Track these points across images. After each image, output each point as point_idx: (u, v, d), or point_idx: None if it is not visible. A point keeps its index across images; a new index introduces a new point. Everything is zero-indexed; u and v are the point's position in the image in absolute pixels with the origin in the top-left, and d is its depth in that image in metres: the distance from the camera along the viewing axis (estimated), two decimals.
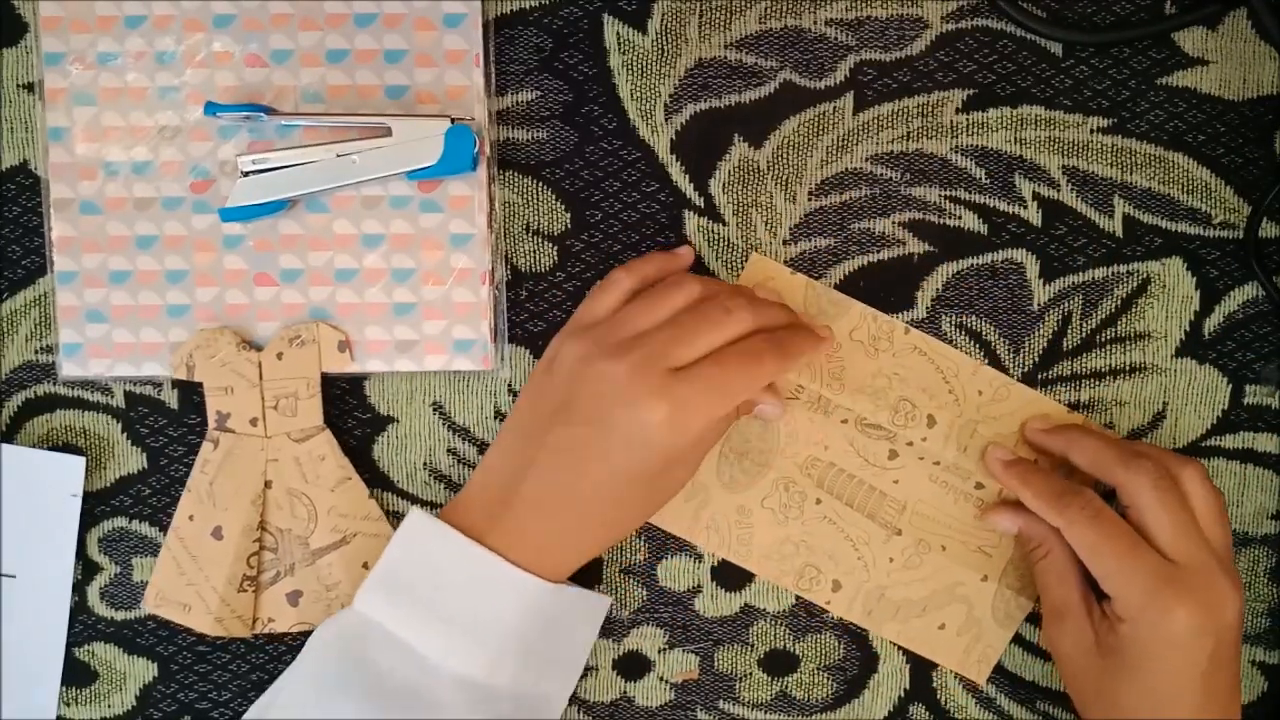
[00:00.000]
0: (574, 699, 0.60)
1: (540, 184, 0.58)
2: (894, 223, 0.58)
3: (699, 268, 0.58)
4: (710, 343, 0.52)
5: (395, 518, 0.59)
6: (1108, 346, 0.58)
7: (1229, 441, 0.59)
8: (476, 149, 0.56)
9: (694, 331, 0.52)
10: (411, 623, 0.51)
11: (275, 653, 0.59)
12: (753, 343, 0.52)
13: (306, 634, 0.59)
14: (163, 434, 0.59)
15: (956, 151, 0.58)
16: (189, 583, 0.57)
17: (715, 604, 0.59)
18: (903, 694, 0.60)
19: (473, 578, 0.51)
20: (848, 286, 0.58)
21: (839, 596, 0.59)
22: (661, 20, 0.58)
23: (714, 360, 0.51)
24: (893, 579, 0.58)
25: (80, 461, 0.58)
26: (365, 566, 0.58)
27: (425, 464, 0.59)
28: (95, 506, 0.59)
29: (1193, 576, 0.51)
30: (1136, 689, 0.52)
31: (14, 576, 0.58)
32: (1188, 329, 0.58)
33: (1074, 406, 0.58)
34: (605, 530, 0.53)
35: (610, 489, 0.52)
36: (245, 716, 0.52)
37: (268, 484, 0.57)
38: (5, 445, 0.58)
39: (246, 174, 0.56)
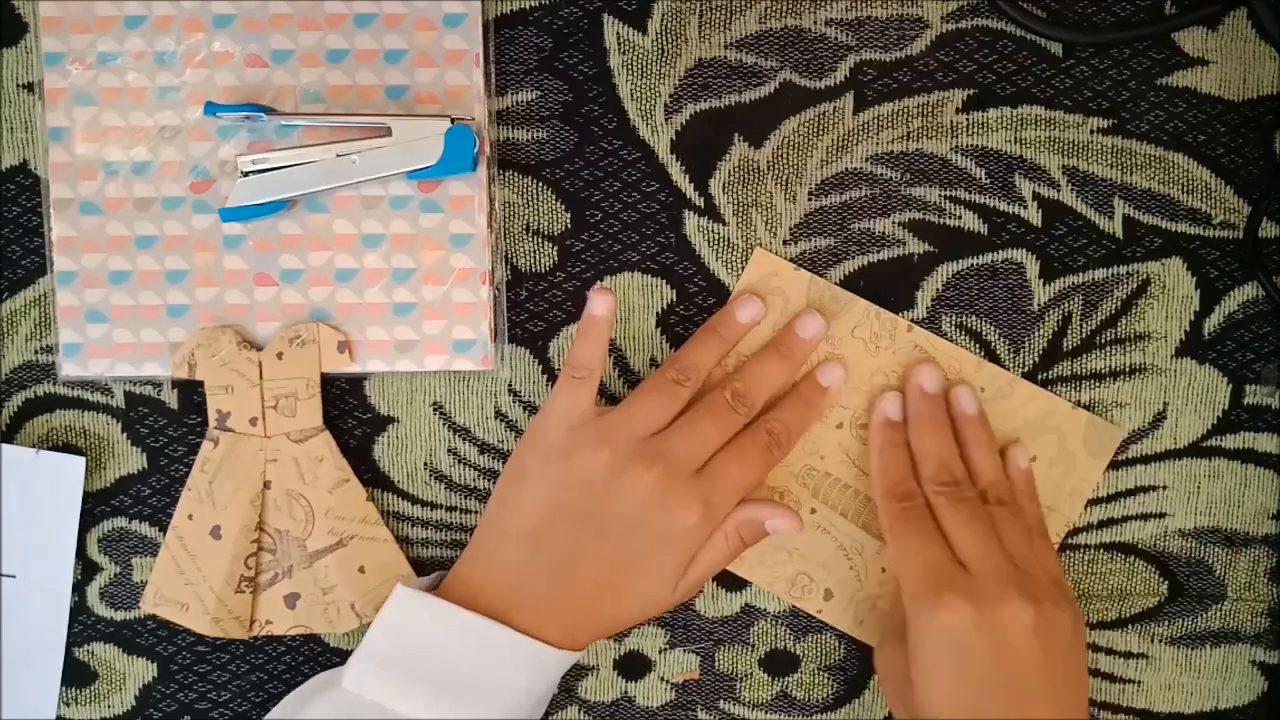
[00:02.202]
0: (574, 699, 0.60)
1: (540, 184, 0.58)
2: (894, 223, 0.58)
3: (701, 270, 0.58)
4: (722, 441, 0.55)
5: (395, 518, 0.59)
6: (1108, 347, 0.58)
7: (1229, 441, 0.59)
8: (476, 149, 0.56)
9: (708, 436, 0.54)
10: (409, 698, 0.50)
11: (275, 653, 0.59)
12: (760, 433, 0.55)
13: (304, 637, 0.59)
14: (163, 434, 0.59)
15: (956, 151, 0.58)
16: (187, 582, 0.57)
17: (716, 604, 0.59)
18: None
19: (477, 650, 0.51)
20: (848, 286, 0.58)
21: (831, 605, 0.59)
22: (661, 20, 0.58)
23: (732, 459, 0.54)
24: (885, 589, 0.58)
25: (80, 461, 0.58)
26: (361, 570, 0.58)
27: (426, 464, 0.59)
28: (95, 506, 0.59)
29: (976, 583, 0.52)
30: (920, 686, 0.51)
31: (14, 576, 0.58)
32: (1188, 329, 0.58)
33: (1074, 407, 0.58)
34: (619, 626, 0.54)
35: (635, 589, 0.53)
36: None
37: (266, 484, 0.57)
38: (5, 445, 0.58)
39: (246, 174, 0.56)
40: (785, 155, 0.58)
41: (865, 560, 0.58)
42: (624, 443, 0.53)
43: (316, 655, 0.59)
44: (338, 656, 0.59)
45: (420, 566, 0.59)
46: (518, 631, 0.51)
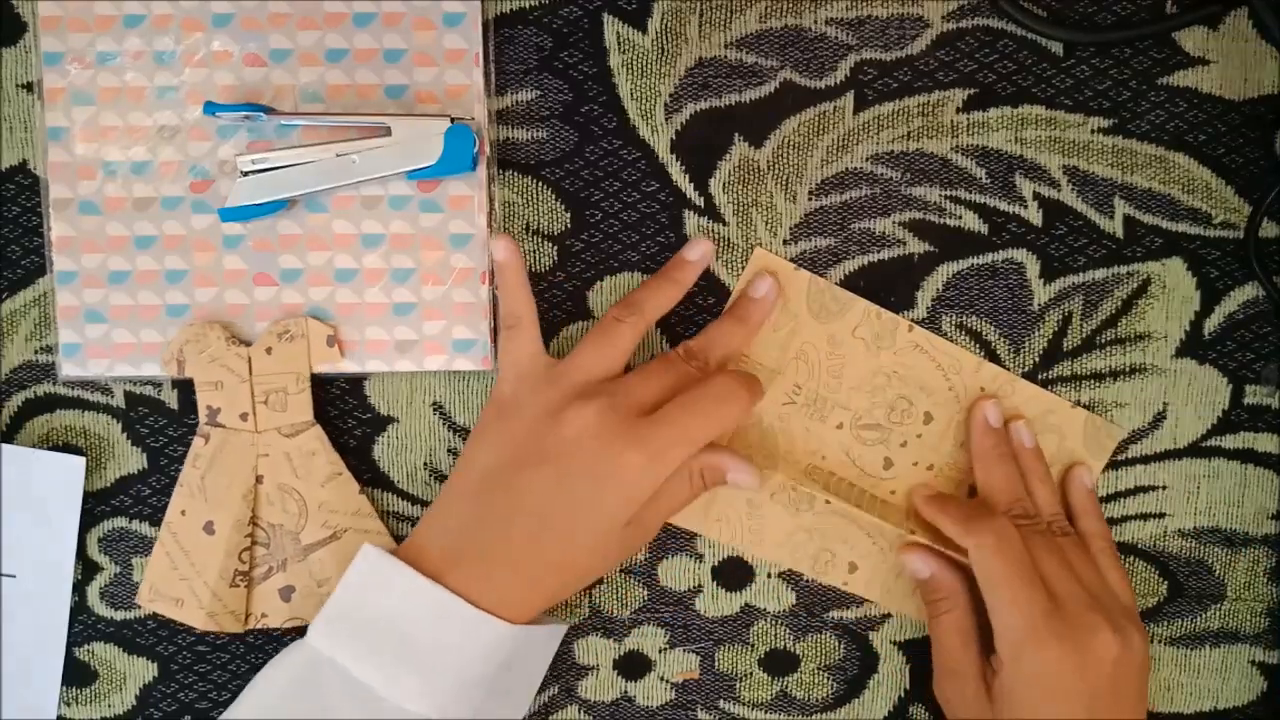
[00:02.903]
0: (574, 698, 0.60)
1: (540, 184, 0.58)
2: (894, 223, 0.58)
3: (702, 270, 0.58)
4: (674, 386, 0.53)
5: (394, 518, 0.59)
6: (1108, 347, 0.58)
7: (1229, 441, 0.59)
8: (476, 149, 0.56)
9: (657, 378, 0.53)
10: (371, 661, 0.51)
11: (274, 652, 0.59)
12: (718, 382, 0.53)
13: (296, 630, 0.59)
14: (163, 434, 0.59)
15: (957, 151, 0.58)
16: (181, 577, 0.57)
17: (716, 604, 0.59)
18: (903, 694, 0.60)
19: (436, 620, 0.51)
20: (848, 286, 0.58)
21: (855, 577, 0.59)
22: (661, 20, 0.58)
23: (681, 403, 0.52)
24: (933, 519, 0.58)
25: (80, 461, 0.58)
26: None
27: (425, 464, 0.59)
28: (95, 506, 0.59)
29: (1070, 616, 0.52)
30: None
31: (14, 576, 0.58)
32: (1188, 329, 0.58)
33: (1073, 406, 0.58)
34: (570, 575, 0.53)
35: (579, 535, 0.52)
36: None
37: (259, 479, 0.57)
38: (6, 445, 0.58)
39: (246, 174, 0.56)
40: (785, 155, 0.58)
41: (886, 538, 0.58)
42: (568, 385, 0.53)
43: None
44: None
45: None
46: (457, 593, 0.51)
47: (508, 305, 0.55)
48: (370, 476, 0.59)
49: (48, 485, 0.58)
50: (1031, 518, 0.55)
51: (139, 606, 0.59)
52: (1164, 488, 0.59)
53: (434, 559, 0.52)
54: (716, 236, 0.58)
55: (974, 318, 0.58)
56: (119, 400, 0.59)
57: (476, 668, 0.51)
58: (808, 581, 0.59)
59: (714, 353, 0.55)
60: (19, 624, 0.58)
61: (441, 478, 0.59)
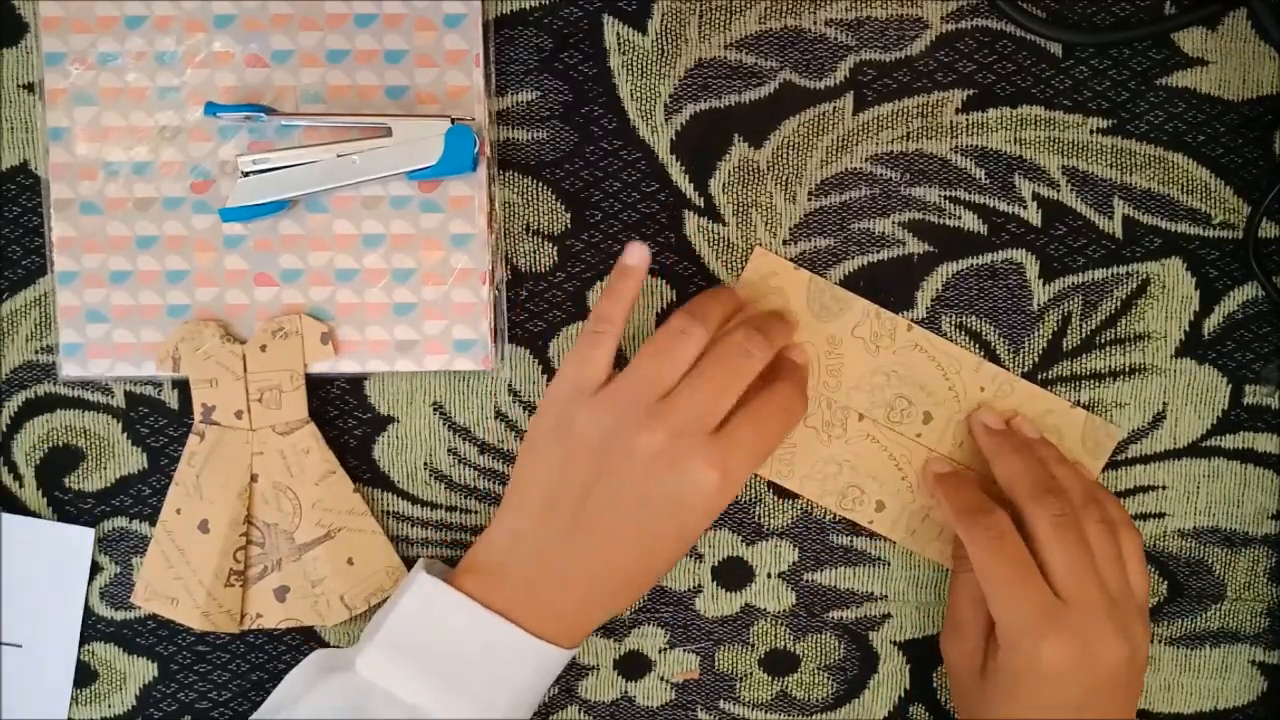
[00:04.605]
0: (574, 698, 0.60)
1: (540, 184, 0.58)
2: (894, 223, 0.58)
3: (701, 270, 0.58)
4: (739, 393, 0.52)
5: (394, 518, 0.59)
6: (1108, 347, 0.58)
7: (1229, 441, 0.59)
8: (476, 149, 0.56)
9: (723, 388, 0.51)
10: (423, 684, 0.51)
11: (275, 652, 0.59)
12: (781, 394, 0.53)
13: (303, 635, 0.59)
14: (163, 434, 0.59)
15: (956, 151, 0.58)
16: (176, 577, 0.57)
17: (716, 604, 0.59)
18: (903, 694, 0.60)
19: (492, 648, 0.51)
20: (848, 287, 0.58)
21: (882, 517, 0.58)
22: (661, 20, 0.58)
23: (750, 419, 0.52)
24: (937, 499, 0.58)
25: (89, 533, 0.58)
26: (350, 562, 0.58)
27: (426, 464, 0.59)
28: (95, 506, 0.59)
29: (1076, 616, 0.51)
30: (1005, 714, 0.52)
31: (19, 646, 0.59)
32: (1187, 329, 0.58)
33: (1072, 406, 0.58)
34: (632, 597, 0.54)
35: (649, 557, 0.52)
36: None
37: (254, 477, 0.58)
38: (11, 515, 0.58)
39: (247, 174, 0.56)
40: (785, 155, 0.58)
41: (914, 468, 0.58)
42: (629, 403, 0.51)
43: None
44: None
45: None
46: (522, 628, 0.51)
47: (607, 311, 0.53)
48: (370, 476, 0.59)
49: (55, 556, 0.59)
50: (1055, 496, 0.53)
51: (138, 606, 0.59)
52: (1164, 488, 0.59)
53: (493, 583, 0.51)
54: (716, 237, 0.58)
55: (973, 318, 0.58)
56: (119, 400, 0.59)
57: (531, 694, 0.52)
58: (808, 581, 0.59)
59: (773, 345, 0.54)
60: (22, 694, 0.59)
61: (442, 478, 0.59)
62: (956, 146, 0.58)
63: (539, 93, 0.58)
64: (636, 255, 0.54)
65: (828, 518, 0.59)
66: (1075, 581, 0.52)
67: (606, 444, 0.51)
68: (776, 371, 0.55)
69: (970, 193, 0.58)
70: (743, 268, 0.58)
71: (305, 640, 0.59)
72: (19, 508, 0.59)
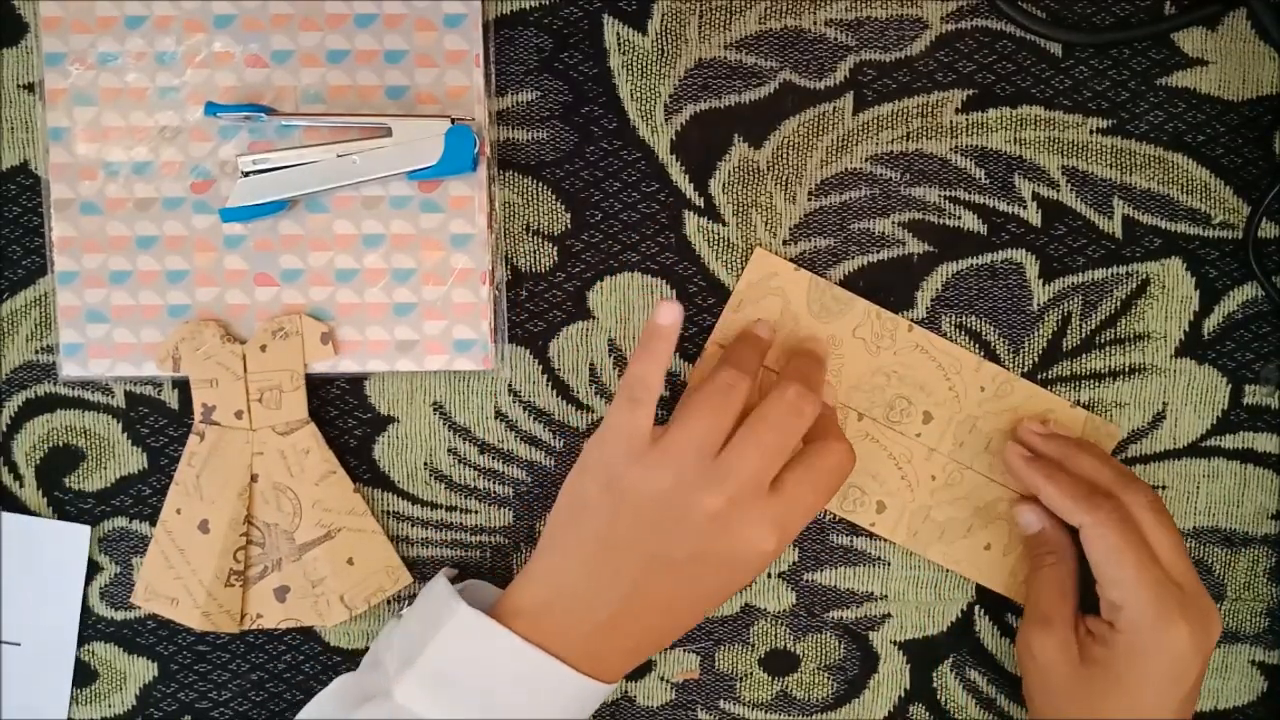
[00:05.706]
0: None
1: (540, 184, 0.58)
2: (894, 223, 0.58)
3: (701, 270, 0.58)
4: (791, 451, 0.52)
5: (395, 518, 0.59)
6: (1107, 347, 0.58)
7: (1229, 441, 0.59)
8: (476, 149, 0.56)
9: (777, 449, 0.52)
10: (461, 712, 0.50)
11: (275, 652, 0.59)
12: (834, 453, 0.53)
13: (303, 635, 0.59)
14: (163, 434, 0.59)
15: (956, 152, 0.58)
16: (176, 577, 0.57)
17: None
18: (903, 694, 0.60)
19: (539, 688, 0.51)
20: (848, 287, 0.58)
21: (883, 519, 0.58)
22: (661, 20, 0.58)
23: (806, 480, 0.52)
24: (936, 498, 0.58)
25: (85, 530, 0.58)
26: (350, 562, 0.58)
27: (426, 464, 0.59)
28: (95, 506, 0.59)
29: (1192, 600, 0.53)
30: (1120, 703, 0.52)
31: (18, 645, 0.59)
32: (1187, 329, 0.58)
33: (1072, 406, 0.58)
34: (677, 636, 0.54)
35: (700, 608, 0.53)
36: None
37: (254, 477, 0.58)
38: (9, 514, 0.58)
39: (247, 174, 0.56)
40: (785, 155, 0.58)
41: (915, 468, 0.58)
42: (687, 464, 0.51)
43: (317, 654, 0.59)
44: (338, 655, 0.59)
45: (419, 566, 0.59)
46: (570, 666, 0.50)
47: (642, 370, 0.52)
48: (370, 476, 0.59)
49: (53, 554, 0.59)
50: (1147, 488, 0.54)
51: (138, 606, 0.59)
52: (1163, 488, 0.59)
53: (541, 626, 0.51)
54: (716, 237, 0.58)
55: (973, 318, 0.58)
56: (119, 400, 0.59)
57: None
58: (808, 581, 0.59)
59: (819, 398, 0.54)
60: (21, 692, 0.59)
61: (442, 478, 0.59)
62: (956, 146, 0.58)
63: (539, 93, 0.58)
64: (669, 315, 0.53)
65: (828, 518, 0.59)
66: (1182, 564, 0.53)
67: (664, 503, 0.51)
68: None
69: (970, 193, 0.58)
70: (743, 268, 0.58)
71: (305, 640, 0.59)
72: (19, 508, 0.59)
